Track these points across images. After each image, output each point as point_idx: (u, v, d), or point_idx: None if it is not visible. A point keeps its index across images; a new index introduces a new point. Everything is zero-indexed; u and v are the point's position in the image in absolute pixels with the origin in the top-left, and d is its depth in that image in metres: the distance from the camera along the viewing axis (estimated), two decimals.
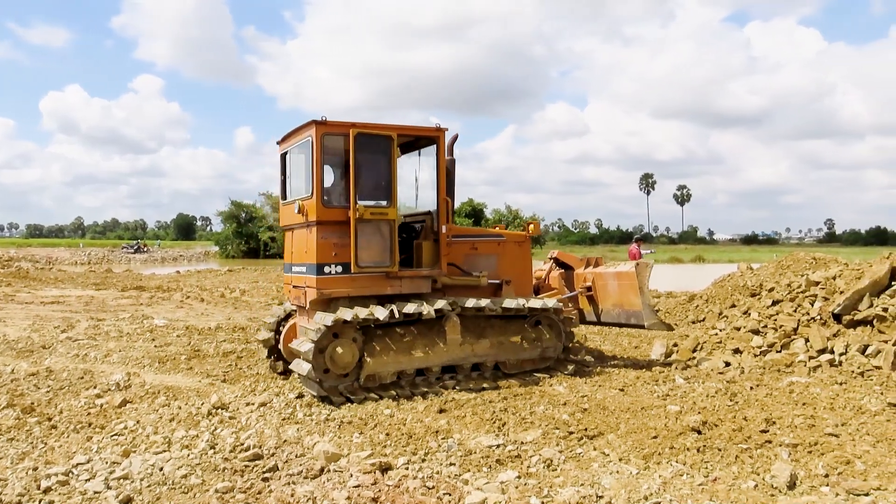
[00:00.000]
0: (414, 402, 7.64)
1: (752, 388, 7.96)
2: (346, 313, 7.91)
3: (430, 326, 8.48)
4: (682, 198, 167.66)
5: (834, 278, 10.49)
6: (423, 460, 5.67)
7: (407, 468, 5.45)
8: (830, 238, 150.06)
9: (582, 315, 11.06)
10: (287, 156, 9.34)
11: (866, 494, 4.77)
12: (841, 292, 9.98)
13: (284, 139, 9.34)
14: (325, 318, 7.89)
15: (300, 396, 7.90)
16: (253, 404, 7.55)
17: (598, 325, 11.15)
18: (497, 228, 10.40)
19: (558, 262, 11.58)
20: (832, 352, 9.10)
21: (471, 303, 8.53)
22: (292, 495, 4.90)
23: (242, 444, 6.01)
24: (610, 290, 10.50)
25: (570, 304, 10.77)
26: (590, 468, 5.42)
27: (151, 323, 14.76)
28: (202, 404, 7.50)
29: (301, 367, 7.81)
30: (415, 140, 9.41)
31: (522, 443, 6.06)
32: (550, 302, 9.17)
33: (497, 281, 9.46)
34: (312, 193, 8.23)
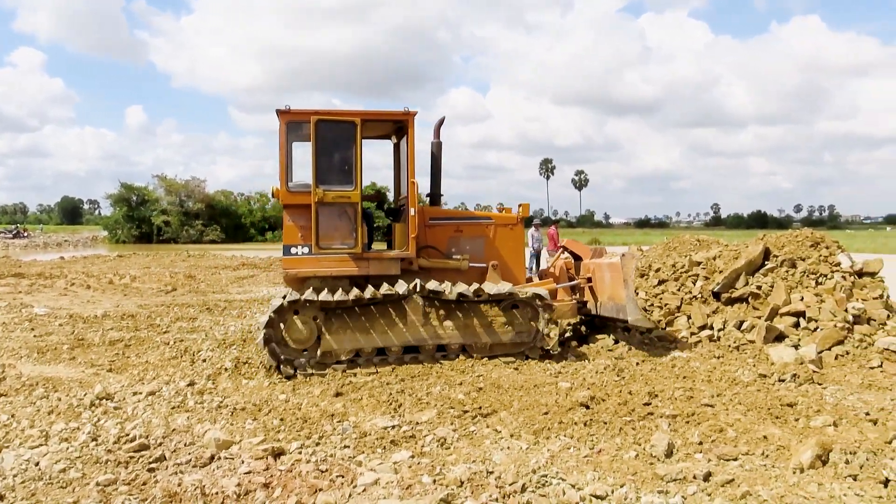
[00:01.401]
0: (310, 386, 7.58)
1: (638, 363, 8.34)
2: (293, 294, 8.29)
3: (392, 307, 8.58)
4: (580, 182, 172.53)
5: (714, 259, 11.10)
6: (318, 444, 5.64)
7: (300, 452, 5.41)
8: (716, 222, 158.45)
9: (584, 307, 10.34)
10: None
11: (735, 459, 5.11)
12: (720, 272, 10.58)
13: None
14: (272, 304, 8.31)
15: (191, 384, 7.68)
16: (140, 393, 7.27)
17: (598, 320, 10.44)
18: (498, 209, 10.35)
19: (568, 251, 11.25)
20: (711, 328, 9.65)
21: (401, 287, 8.42)
22: (179, 485, 4.77)
23: (128, 435, 5.78)
24: (606, 281, 9.87)
25: (569, 294, 10.18)
26: (482, 445, 5.55)
27: (31, 311, 13.92)
28: (84, 395, 7.16)
29: (258, 336, 8.28)
30: (403, 124, 9.32)
31: (418, 423, 6.12)
32: (514, 287, 8.92)
33: (483, 265, 9.40)
34: (280, 179, 8.65)
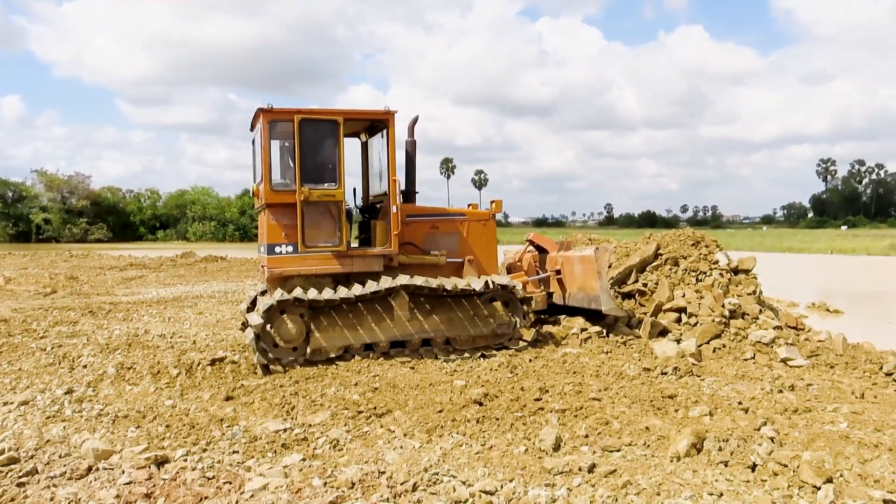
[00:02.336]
0: (199, 391, 7.33)
1: (530, 360, 8.54)
2: (283, 293, 8.34)
3: (379, 303, 8.71)
4: (480, 182, 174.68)
5: None
6: (205, 450, 5.46)
7: (186, 460, 5.22)
8: (609, 221, 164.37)
9: (552, 298, 10.72)
10: (253, 142, 9.60)
11: (618, 450, 5.32)
12: (611, 267, 10.98)
13: (252, 126, 9.64)
14: (262, 305, 8.33)
15: (69, 392, 7.27)
16: (12, 403, 6.83)
17: (566, 311, 10.68)
18: (469, 207, 10.47)
19: (534, 245, 11.54)
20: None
21: (403, 280, 8.61)
22: (52, 499, 4.51)
23: None
24: (576, 273, 10.26)
25: (539, 286, 10.61)
26: (375, 445, 5.53)
27: None
28: None
29: (248, 335, 8.31)
30: (375, 123, 9.56)
31: (310, 425, 6.04)
32: (503, 280, 9.15)
33: (459, 259, 9.69)
34: (262, 178, 8.66)
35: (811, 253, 38.09)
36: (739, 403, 6.53)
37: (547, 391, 6.96)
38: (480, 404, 6.53)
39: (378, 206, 9.78)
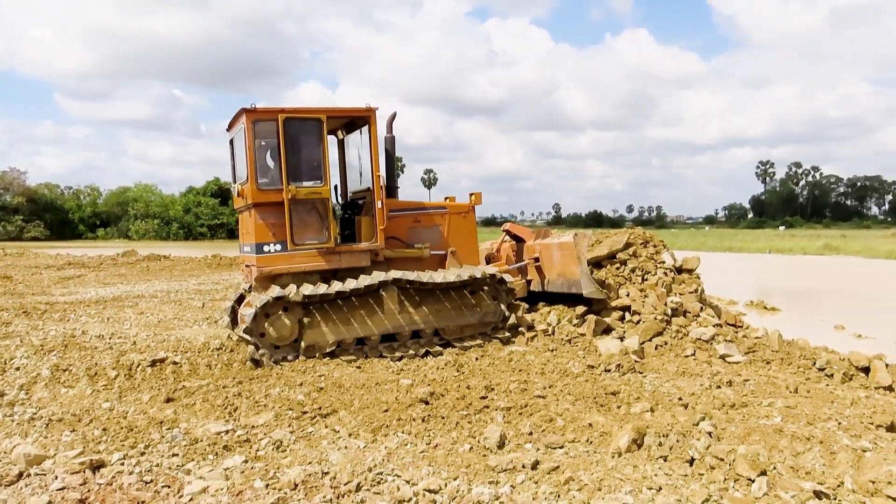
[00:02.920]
0: (139, 393, 7.15)
1: (477, 358, 8.58)
2: (277, 291, 8.39)
3: (369, 297, 8.85)
4: (430, 181, 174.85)
5: None
6: (143, 454, 5.33)
7: (122, 464, 5.09)
8: (557, 220, 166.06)
9: (530, 286, 10.93)
10: (233, 141, 9.62)
11: (561, 447, 5.38)
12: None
13: (230, 126, 9.65)
14: (262, 296, 8.40)
15: (0, 395, 7.01)
16: None
17: (545, 298, 10.86)
18: (447, 200, 10.60)
19: (510, 235, 11.79)
20: (548, 323, 10.10)
21: (397, 274, 8.82)
22: None
23: None
24: (555, 260, 10.55)
25: (518, 275, 10.83)
26: (319, 446, 5.48)
27: None
28: None
29: (242, 333, 8.38)
30: (355, 120, 9.74)
31: (253, 427, 5.95)
32: (490, 270, 9.47)
33: (442, 252, 9.95)
34: (248, 177, 8.72)
35: (750, 252, 39.22)
36: (679, 399, 6.68)
37: (493, 389, 7.00)
38: (426, 403, 6.53)
39: (361, 202, 9.91)
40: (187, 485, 4.67)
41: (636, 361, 8.31)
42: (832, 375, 8.10)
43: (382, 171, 9.48)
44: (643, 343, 9.13)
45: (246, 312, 8.44)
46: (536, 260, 10.93)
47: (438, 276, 9.05)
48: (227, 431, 5.80)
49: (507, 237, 11.82)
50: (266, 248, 8.77)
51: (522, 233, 11.71)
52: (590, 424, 5.84)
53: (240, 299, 10.19)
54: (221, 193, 77.76)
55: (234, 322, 9.90)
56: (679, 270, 11.01)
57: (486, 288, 9.49)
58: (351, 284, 8.63)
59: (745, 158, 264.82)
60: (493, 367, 8.16)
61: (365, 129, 9.60)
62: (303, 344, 8.54)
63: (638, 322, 9.77)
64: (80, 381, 7.66)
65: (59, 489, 4.62)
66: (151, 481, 4.77)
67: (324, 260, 8.97)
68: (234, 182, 9.82)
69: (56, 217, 73.16)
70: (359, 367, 8.29)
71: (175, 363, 8.36)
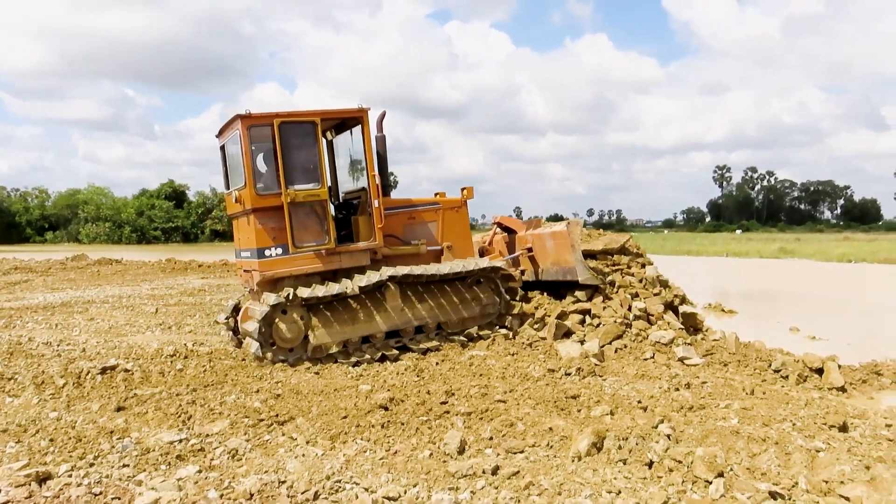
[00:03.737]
0: (88, 402, 6.97)
1: (437, 363, 8.57)
2: (281, 293, 8.60)
3: (371, 296, 9.16)
4: (391, 184, 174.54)
5: None
6: (92, 465, 5.19)
7: (70, 475, 4.95)
8: None
9: (524, 275, 11.20)
10: (225, 147, 9.73)
11: (521, 452, 5.40)
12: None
13: (221, 132, 9.72)
14: (267, 299, 8.60)
15: None
16: None
17: (539, 287, 11.09)
18: (437, 196, 10.72)
19: (502, 227, 12.10)
20: (508, 327, 10.14)
21: (404, 270, 9.14)
22: None
23: None
24: (548, 249, 10.83)
25: (512, 266, 11.11)
26: (276, 454, 5.41)
27: None
28: None
29: (251, 346, 8.61)
30: (345, 121, 9.95)
31: (208, 435, 5.84)
32: (495, 262, 9.90)
33: (437, 247, 10.23)
34: (245, 183, 8.83)
35: (708, 256, 39.93)
36: (639, 402, 6.76)
37: (453, 394, 7.00)
38: (386, 409, 6.50)
39: (356, 201, 10.09)
40: (138, 496, 4.56)
41: (596, 365, 8.39)
42: (787, 377, 8.29)
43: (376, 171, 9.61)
44: (603, 346, 9.23)
45: (250, 326, 8.59)
46: (529, 250, 11.23)
47: (445, 268, 9.41)
48: (180, 440, 5.69)
49: (499, 230, 12.13)
50: (267, 253, 8.93)
51: (514, 224, 12.01)
52: (550, 428, 5.87)
53: (236, 309, 10.33)
54: (176, 196, 76.56)
55: (235, 333, 10.17)
56: (663, 284, 11.14)
57: (483, 280, 9.90)
58: (360, 282, 8.88)
59: (703, 163, 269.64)
60: (454, 371, 8.16)
61: (357, 129, 9.76)
62: (310, 345, 8.77)
63: (598, 325, 9.88)
64: (25, 389, 7.45)
65: (3, 503, 4.47)
66: (101, 493, 4.65)
67: (325, 261, 9.15)
68: (228, 189, 9.90)
69: (2, 220, 71.14)
70: (317, 374, 8.22)
71: (126, 370, 8.18)
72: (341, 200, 10.58)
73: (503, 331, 9.82)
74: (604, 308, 10.23)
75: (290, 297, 8.64)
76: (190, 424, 6.17)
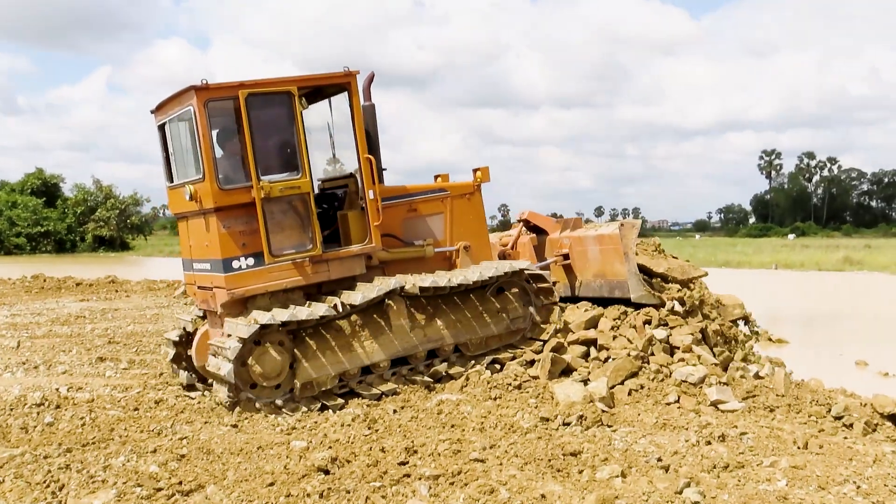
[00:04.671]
0: None
1: (395, 410, 8.61)
2: (261, 316, 8.58)
3: (370, 314, 9.31)
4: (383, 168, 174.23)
5: None
6: None
7: None
8: (503, 227, 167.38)
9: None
10: (166, 128, 9.81)
11: None
12: None
13: (160, 107, 9.77)
14: (237, 330, 8.58)
15: None
16: None
17: (574, 302, 11.29)
18: (439, 179, 10.91)
19: (529, 226, 12.29)
20: (491, 362, 10.19)
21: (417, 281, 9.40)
22: None
23: None
24: (591, 256, 11.05)
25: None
26: None
27: None
28: None
29: (221, 392, 8.68)
30: (322, 88, 10.06)
31: None
32: (521, 264, 10.20)
33: (448, 248, 10.52)
34: (204, 175, 8.80)
35: (752, 268, 40.48)
36: (659, 460, 6.86)
37: (415, 452, 7.04)
38: (326, 472, 6.53)
39: (340, 192, 10.29)
40: None
41: (604, 411, 8.48)
42: (851, 426, 8.44)
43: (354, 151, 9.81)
44: (613, 387, 9.32)
45: (223, 367, 8.50)
46: (565, 257, 11.45)
47: (464, 276, 9.64)
48: None
49: (525, 229, 12.27)
50: (236, 264, 8.93)
51: (545, 224, 12.21)
52: (542, 496, 5.93)
53: (187, 339, 10.26)
54: (46, 191, 75.66)
55: (190, 370, 10.17)
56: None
57: (508, 287, 10.20)
58: (354, 298, 8.97)
59: (745, 147, 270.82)
60: (417, 421, 8.21)
61: (338, 98, 10.04)
62: (297, 383, 8.85)
63: (606, 360, 9.98)
64: None
65: None
66: None
67: (309, 272, 9.21)
68: (172, 181, 9.99)
69: None
70: (235, 426, 8.21)
71: None
72: (317, 191, 10.59)
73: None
74: (614, 337, 10.34)
75: (271, 323, 8.61)
76: (62, 497, 6.14)
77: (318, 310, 8.85)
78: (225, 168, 9.07)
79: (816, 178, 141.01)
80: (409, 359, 9.61)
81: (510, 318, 10.19)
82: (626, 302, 10.73)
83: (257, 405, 8.69)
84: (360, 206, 9.75)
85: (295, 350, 8.88)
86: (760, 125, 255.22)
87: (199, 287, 9.76)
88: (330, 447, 7.24)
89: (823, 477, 6.44)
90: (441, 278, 9.52)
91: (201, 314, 10.33)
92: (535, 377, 9.67)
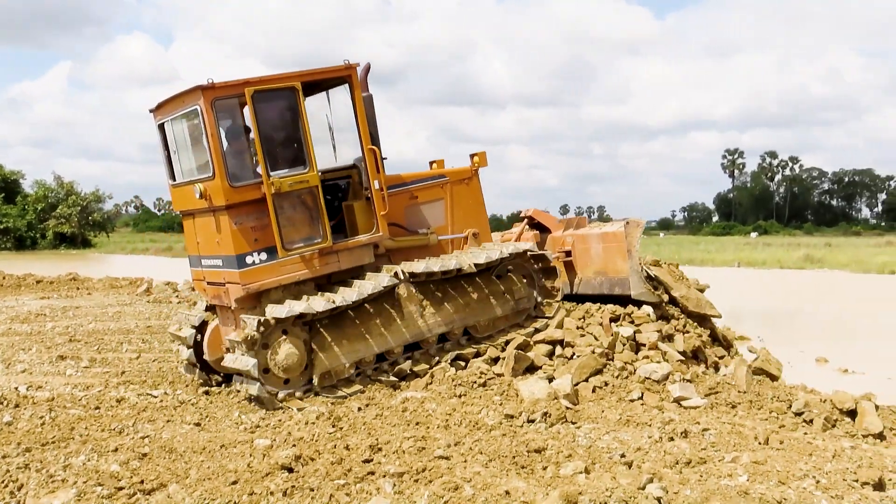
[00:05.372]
0: None
1: (360, 408, 8.61)
2: (278, 310, 8.89)
3: (381, 302, 9.59)
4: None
5: None
6: None
7: None
8: None
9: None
10: (167, 127, 9.98)
11: None
12: None
13: (160, 107, 9.90)
14: (275, 311, 8.89)
15: None
16: None
17: (571, 301, 11.50)
18: (434, 165, 11.34)
19: (532, 223, 12.60)
20: (455, 359, 10.21)
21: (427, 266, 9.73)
22: None
23: None
24: (593, 254, 11.36)
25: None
26: None
27: None
28: None
29: (250, 387, 8.88)
30: (320, 82, 10.20)
31: None
32: (525, 245, 10.63)
33: (450, 236, 10.89)
34: (214, 173, 9.00)
35: (715, 266, 40.94)
36: (622, 456, 6.90)
37: (380, 449, 7.03)
38: (290, 471, 6.50)
39: (343, 183, 10.53)
40: None
41: (568, 408, 8.52)
42: (811, 421, 8.57)
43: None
44: (577, 384, 9.36)
45: (242, 364, 8.81)
46: (567, 254, 11.73)
47: (471, 259, 9.98)
48: None
49: (528, 226, 12.60)
50: (249, 260, 9.14)
51: (547, 220, 12.55)
52: (507, 492, 5.94)
53: (198, 333, 10.38)
54: (6, 187, 74.63)
55: (202, 367, 10.41)
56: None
57: (513, 269, 10.62)
58: (367, 288, 9.30)
59: (709, 145, 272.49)
60: (381, 419, 8.20)
61: (336, 91, 10.31)
62: (315, 373, 9.15)
63: (572, 357, 10.02)
64: None
65: None
66: None
67: (319, 264, 9.51)
68: (175, 179, 10.19)
69: None
70: (198, 425, 8.17)
71: None
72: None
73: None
74: (581, 335, 10.39)
75: (295, 314, 8.88)
76: (21, 497, 6.08)
77: (366, 288, 9.27)
78: (234, 165, 9.26)
79: (778, 177, 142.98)
80: (422, 343, 9.92)
81: (515, 299, 10.54)
82: (622, 300, 10.95)
83: (280, 396, 8.91)
84: (364, 196, 9.99)
85: (312, 342, 9.17)
86: (723, 125, 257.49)
87: (208, 283, 9.98)
88: (294, 445, 7.22)
89: (784, 472, 6.53)
90: (466, 259, 9.97)
91: (209, 309, 10.58)
92: (500, 375, 9.70)
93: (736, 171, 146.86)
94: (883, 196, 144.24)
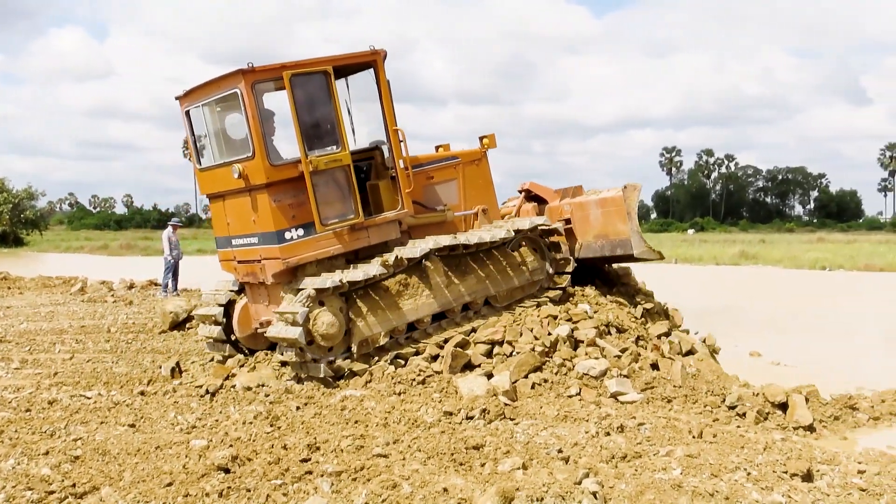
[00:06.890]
0: None
1: (298, 408, 8.55)
2: (326, 280, 9.40)
3: (410, 275, 10.15)
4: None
5: None
6: None
7: None
8: None
9: None
10: (195, 113, 10.55)
11: None
12: None
13: (190, 93, 10.42)
14: (304, 292, 9.34)
15: None
16: None
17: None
18: (440, 149, 11.96)
19: (530, 195, 13.15)
20: (395, 357, 10.19)
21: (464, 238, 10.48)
22: None
23: None
24: (592, 220, 11.91)
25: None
26: None
27: None
28: None
29: (288, 355, 9.45)
30: (344, 67, 10.79)
31: None
32: (538, 220, 11.31)
33: (463, 212, 11.56)
34: (254, 153, 9.54)
35: (652, 262, 41.52)
36: (559, 451, 6.98)
37: (318, 448, 7.03)
38: (227, 471, 6.45)
39: (364, 164, 11.04)
40: None
41: (506, 405, 8.58)
42: (744, 415, 8.77)
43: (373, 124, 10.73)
44: (516, 381, 9.42)
45: (290, 334, 9.18)
46: (567, 222, 12.18)
47: (490, 235, 10.61)
48: None
49: (526, 199, 13.13)
50: (288, 235, 9.67)
51: (545, 193, 13.06)
52: (445, 489, 5.97)
53: (230, 306, 10.96)
54: None
55: (231, 344, 10.97)
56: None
57: (525, 242, 11.24)
58: (486, 236, 10.39)
59: (646, 143, 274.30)
60: (320, 418, 8.19)
61: (359, 76, 11.00)
62: (354, 342, 9.67)
63: (511, 354, 10.07)
64: None
65: None
66: None
67: (350, 238, 10.05)
68: (201, 164, 10.83)
69: None
70: (132, 426, 8.06)
71: None
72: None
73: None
74: (521, 334, 10.45)
75: (337, 284, 9.37)
76: None
77: (424, 245, 10.03)
78: (272, 145, 9.81)
79: (715, 174, 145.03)
80: (447, 313, 10.48)
81: (529, 270, 11.11)
82: (621, 260, 12.04)
83: (321, 365, 9.40)
84: (388, 175, 10.61)
85: (349, 311, 9.66)
86: (661, 123, 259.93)
87: (239, 262, 10.52)
88: (231, 445, 7.16)
89: (716, 465, 6.66)
90: (490, 233, 10.62)
91: (237, 289, 11.14)
92: (439, 372, 9.73)
93: (673, 169, 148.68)
94: (815, 193, 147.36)
